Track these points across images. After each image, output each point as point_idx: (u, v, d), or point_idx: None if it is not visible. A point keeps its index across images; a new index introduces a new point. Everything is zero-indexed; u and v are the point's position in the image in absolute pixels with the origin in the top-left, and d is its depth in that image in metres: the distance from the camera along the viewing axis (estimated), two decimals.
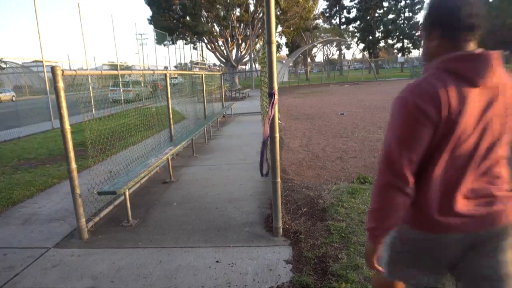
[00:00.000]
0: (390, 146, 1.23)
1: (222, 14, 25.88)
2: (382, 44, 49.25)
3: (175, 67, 33.79)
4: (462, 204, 1.24)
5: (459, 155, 1.21)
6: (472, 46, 1.23)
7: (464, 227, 1.25)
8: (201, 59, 34.16)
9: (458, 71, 1.18)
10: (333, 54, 57.41)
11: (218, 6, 25.35)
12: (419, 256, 1.37)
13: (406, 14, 46.38)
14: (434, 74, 1.21)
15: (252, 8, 28.97)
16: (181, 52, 48.96)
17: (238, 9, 28.97)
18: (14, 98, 29.57)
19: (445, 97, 1.16)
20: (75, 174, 3.07)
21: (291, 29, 32.94)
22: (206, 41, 30.15)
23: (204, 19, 26.69)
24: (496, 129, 1.22)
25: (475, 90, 1.18)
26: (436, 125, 1.17)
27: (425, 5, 1.31)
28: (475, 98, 1.17)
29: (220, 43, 30.52)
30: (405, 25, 46.29)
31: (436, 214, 1.24)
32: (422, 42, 1.35)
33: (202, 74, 9.02)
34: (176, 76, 12.06)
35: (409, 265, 1.40)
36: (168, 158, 4.72)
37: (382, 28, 46.25)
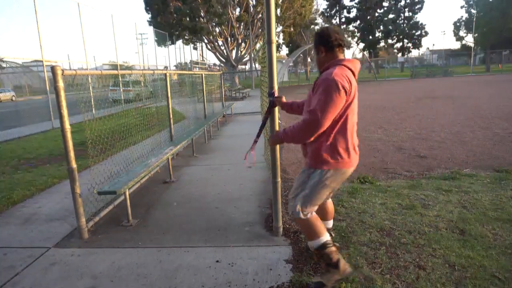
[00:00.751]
0: (320, 107, 1.97)
1: (219, 11, 25.84)
2: (382, 44, 49.19)
3: (175, 66, 33.77)
4: (355, 146, 2.18)
5: (353, 116, 2.11)
6: (343, 56, 2.16)
7: (355, 162, 2.18)
8: (201, 59, 34.12)
9: (350, 67, 2.08)
10: None
11: (217, 5, 25.31)
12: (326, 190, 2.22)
13: (406, 14, 46.32)
14: (341, 68, 2.04)
15: (251, 9, 28.95)
16: (181, 52, 48.99)
17: (238, 9, 28.97)
18: (14, 98, 29.59)
19: (351, 81, 2.02)
20: (75, 173, 3.07)
21: (291, 28, 32.91)
22: (206, 41, 30.14)
23: (202, 19, 26.65)
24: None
25: (354, 79, 2.08)
26: (347, 97, 2.00)
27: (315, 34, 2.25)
28: (355, 84, 2.07)
29: (220, 43, 30.51)
30: (405, 25, 46.23)
31: (348, 154, 2.12)
32: (316, 55, 2.24)
33: (202, 74, 9.00)
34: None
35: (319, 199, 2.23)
36: (168, 158, 4.72)
37: (382, 28, 46.18)
